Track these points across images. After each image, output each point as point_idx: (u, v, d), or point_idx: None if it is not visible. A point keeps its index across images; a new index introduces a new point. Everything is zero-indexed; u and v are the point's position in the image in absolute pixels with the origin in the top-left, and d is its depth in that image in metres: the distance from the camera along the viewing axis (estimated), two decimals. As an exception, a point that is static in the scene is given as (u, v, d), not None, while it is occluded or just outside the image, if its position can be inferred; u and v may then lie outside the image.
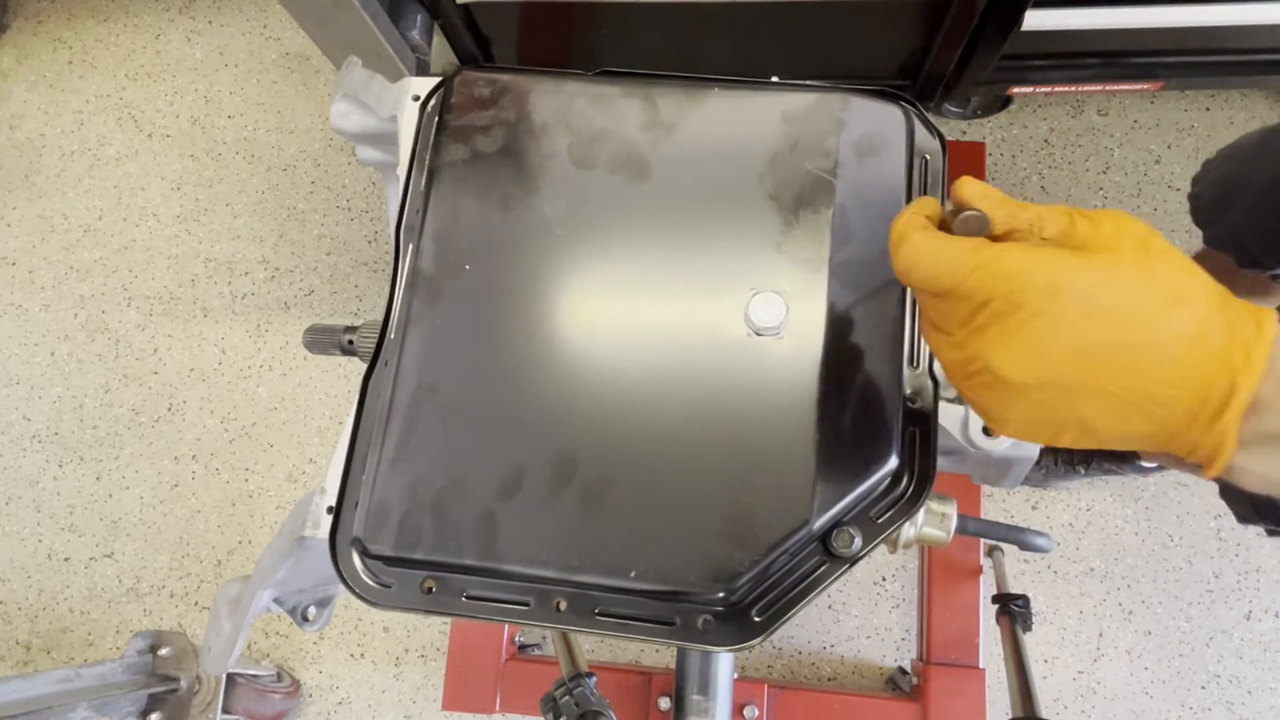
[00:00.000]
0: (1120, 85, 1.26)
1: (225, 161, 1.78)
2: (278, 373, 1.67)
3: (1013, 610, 1.19)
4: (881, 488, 0.53)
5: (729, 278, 0.56)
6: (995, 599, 1.24)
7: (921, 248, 0.43)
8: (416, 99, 0.65)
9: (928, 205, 0.46)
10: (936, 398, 0.55)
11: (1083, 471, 1.36)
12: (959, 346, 0.43)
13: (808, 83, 0.61)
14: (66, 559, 1.62)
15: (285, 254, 1.72)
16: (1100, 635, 1.40)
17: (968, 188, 0.44)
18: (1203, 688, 1.37)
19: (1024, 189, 1.59)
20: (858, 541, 0.52)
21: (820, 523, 0.51)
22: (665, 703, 1.25)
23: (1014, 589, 1.25)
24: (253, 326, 1.69)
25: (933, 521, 0.60)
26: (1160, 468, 1.33)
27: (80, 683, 1.22)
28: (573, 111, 0.61)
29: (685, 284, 0.57)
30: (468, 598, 0.53)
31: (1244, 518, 0.92)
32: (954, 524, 0.61)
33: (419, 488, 0.54)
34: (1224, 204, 1.02)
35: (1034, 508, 1.46)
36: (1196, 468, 0.41)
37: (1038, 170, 1.60)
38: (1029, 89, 1.26)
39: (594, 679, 0.80)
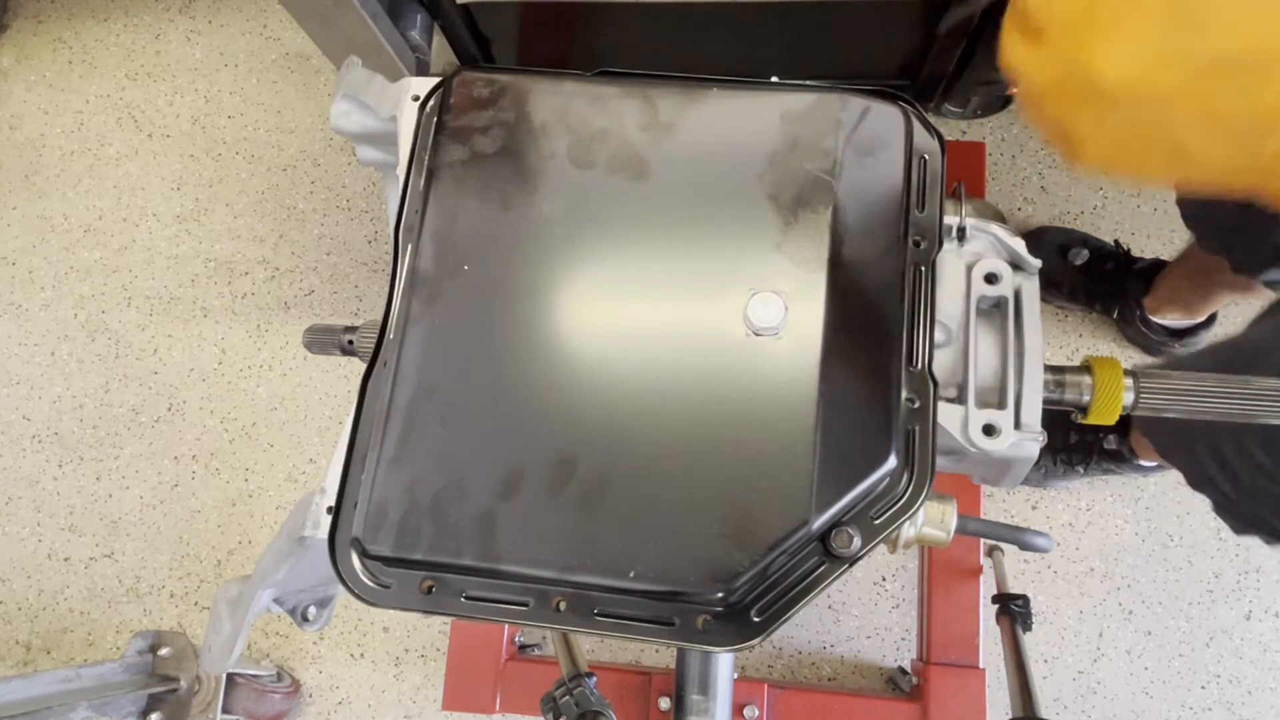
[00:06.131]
0: (1120, 85, 1.26)
1: (225, 161, 1.78)
2: (278, 373, 1.67)
3: (1013, 610, 1.19)
4: (881, 488, 0.53)
5: (728, 278, 0.56)
6: (995, 599, 1.24)
7: None
8: (416, 99, 0.65)
9: None
10: (936, 397, 0.55)
11: (1082, 471, 1.35)
12: (1055, 60, 0.40)
13: (807, 83, 0.61)
14: (66, 559, 1.62)
15: (285, 254, 1.72)
16: (1100, 635, 1.40)
17: None
18: (1203, 688, 1.37)
19: (1024, 189, 1.58)
20: (857, 541, 0.52)
21: (819, 522, 0.51)
22: (665, 703, 1.25)
23: (1014, 589, 1.24)
24: (253, 326, 1.69)
25: (933, 521, 0.60)
26: (1160, 467, 1.33)
27: (80, 683, 1.22)
28: (572, 112, 0.61)
29: (684, 284, 0.57)
30: (467, 598, 0.53)
31: (1240, 529, 0.92)
32: (954, 524, 0.61)
33: (418, 488, 0.54)
34: (1208, 209, 1.03)
35: (1034, 508, 1.46)
36: None
37: (1038, 170, 1.59)
38: (1029, 89, 1.26)
39: (594, 679, 0.80)
